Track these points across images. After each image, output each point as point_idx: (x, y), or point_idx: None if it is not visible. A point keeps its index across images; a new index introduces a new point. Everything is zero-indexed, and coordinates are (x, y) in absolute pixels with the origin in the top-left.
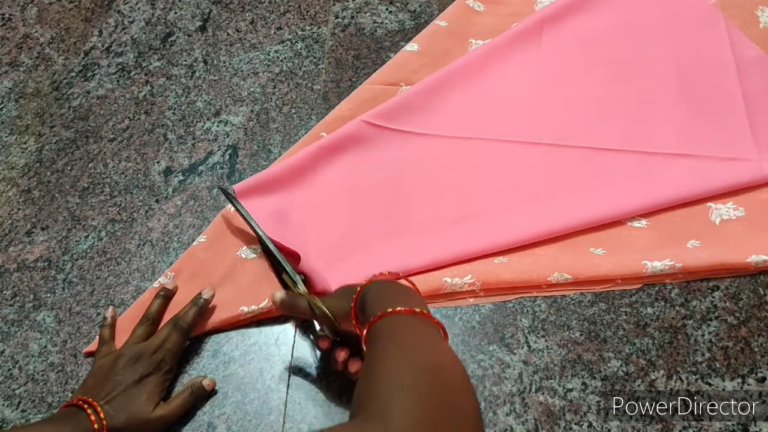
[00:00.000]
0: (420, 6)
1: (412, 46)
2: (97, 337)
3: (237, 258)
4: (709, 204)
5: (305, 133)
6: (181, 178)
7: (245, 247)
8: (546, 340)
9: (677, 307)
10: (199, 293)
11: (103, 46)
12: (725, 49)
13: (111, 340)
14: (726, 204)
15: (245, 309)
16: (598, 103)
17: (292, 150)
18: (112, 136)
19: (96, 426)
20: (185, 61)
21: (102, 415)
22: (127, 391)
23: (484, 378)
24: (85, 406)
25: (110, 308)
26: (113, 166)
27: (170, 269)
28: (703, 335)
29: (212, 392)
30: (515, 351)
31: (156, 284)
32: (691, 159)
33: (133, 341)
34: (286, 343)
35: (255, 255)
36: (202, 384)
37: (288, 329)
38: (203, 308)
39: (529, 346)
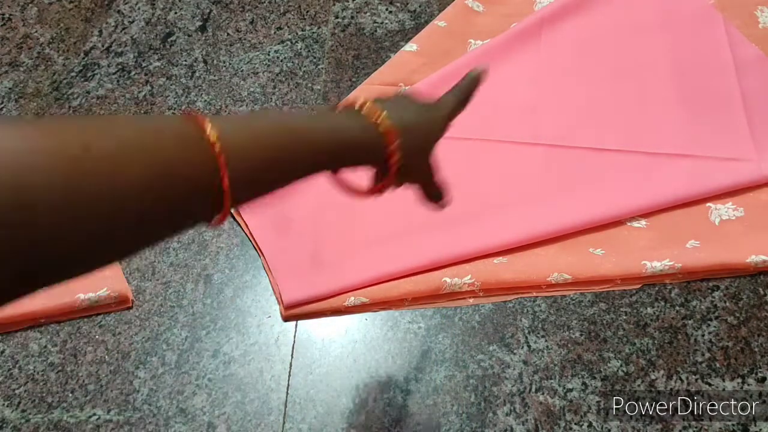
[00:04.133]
0: (420, 6)
1: (411, 46)
2: None
3: None
4: (708, 204)
5: None
6: None
7: None
8: (546, 340)
9: (677, 307)
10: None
11: (103, 46)
12: (724, 49)
13: None
14: (725, 204)
15: (81, 297)
16: (597, 103)
17: None
18: None
19: (378, 120)
20: (185, 61)
21: (382, 113)
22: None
23: (484, 378)
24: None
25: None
26: None
27: None
28: (703, 335)
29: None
30: (515, 351)
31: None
32: (690, 159)
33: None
34: (286, 343)
35: None
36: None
37: (288, 329)
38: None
39: (529, 346)
